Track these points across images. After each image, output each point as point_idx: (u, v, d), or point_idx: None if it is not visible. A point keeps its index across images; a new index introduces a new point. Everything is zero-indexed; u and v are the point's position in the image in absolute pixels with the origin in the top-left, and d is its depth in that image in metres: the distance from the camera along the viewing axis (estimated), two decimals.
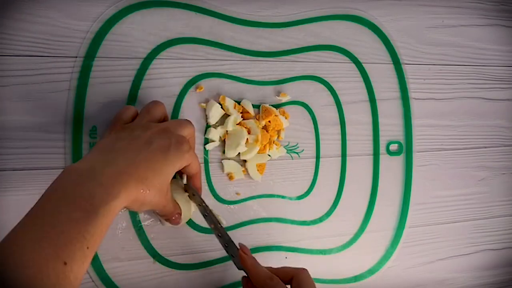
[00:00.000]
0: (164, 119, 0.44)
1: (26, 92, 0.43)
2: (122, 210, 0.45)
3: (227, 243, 0.44)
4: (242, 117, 0.50)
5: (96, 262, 0.44)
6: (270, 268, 0.43)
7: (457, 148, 0.60)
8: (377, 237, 0.55)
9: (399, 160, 0.56)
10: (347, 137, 0.54)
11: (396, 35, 0.56)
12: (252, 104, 0.50)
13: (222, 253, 0.47)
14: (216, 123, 0.49)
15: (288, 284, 0.42)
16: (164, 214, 0.42)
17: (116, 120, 0.42)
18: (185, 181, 0.46)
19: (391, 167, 0.56)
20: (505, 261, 0.62)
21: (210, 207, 0.44)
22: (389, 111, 0.56)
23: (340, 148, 0.54)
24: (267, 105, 0.50)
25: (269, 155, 0.51)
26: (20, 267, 0.27)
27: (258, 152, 0.49)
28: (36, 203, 0.31)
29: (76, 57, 0.44)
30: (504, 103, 0.62)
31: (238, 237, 0.49)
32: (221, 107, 0.49)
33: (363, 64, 0.55)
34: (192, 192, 0.45)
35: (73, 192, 0.31)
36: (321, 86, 0.53)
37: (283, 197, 0.52)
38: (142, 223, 0.46)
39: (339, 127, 0.54)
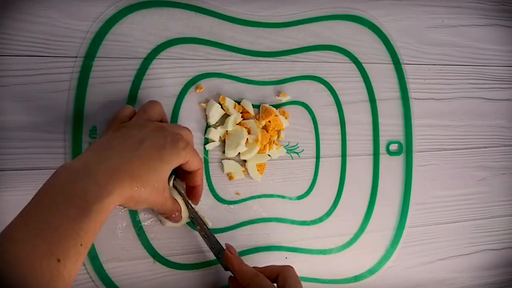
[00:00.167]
0: (161, 120, 0.44)
1: (26, 92, 0.43)
2: (122, 210, 0.45)
3: (213, 245, 0.45)
4: (242, 117, 0.50)
5: (96, 262, 0.44)
6: (256, 267, 0.43)
7: (457, 148, 0.60)
8: (377, 237, 0.55)
9: (399, 160, 0.56)
10: (347, 137, 0.54)
11: (396, 35, 0.56)
12: (252, 104, 0.50)
13: None
14: (216, 123, 0.49)
15: (274, 282, 0.42)
16: (164, 212, 0.42)
17: (114, 120, 0.42)
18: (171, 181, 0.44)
19: (391, 167, 0.56)
20: (505, 261, 0.62)
21: (207, 207, 0.44)
22: (389, 111, 0.56)
23: (340, 148, 0.54)
24: (267, 105, 0.50)
25: (269, 155, 0.51)
26: (13, 264, 0.27)
27: (258, 152, 0.49)
28: (31, 200, 0.31)
29: (76, 57, 0.44)
30: (504, 103, 0.62)
31: (238, 237, 0.49)
32: (221, 107, 0.49)
33: (363, 64, 0.55)
34: (179, 192, 0.44)
35: (68, 190, 0.31)
36: (321, 86, 0.53)
37: (283, 197, 0.52)
38: (142, 223, 0.46)
39: (339, 127, 0.54)
